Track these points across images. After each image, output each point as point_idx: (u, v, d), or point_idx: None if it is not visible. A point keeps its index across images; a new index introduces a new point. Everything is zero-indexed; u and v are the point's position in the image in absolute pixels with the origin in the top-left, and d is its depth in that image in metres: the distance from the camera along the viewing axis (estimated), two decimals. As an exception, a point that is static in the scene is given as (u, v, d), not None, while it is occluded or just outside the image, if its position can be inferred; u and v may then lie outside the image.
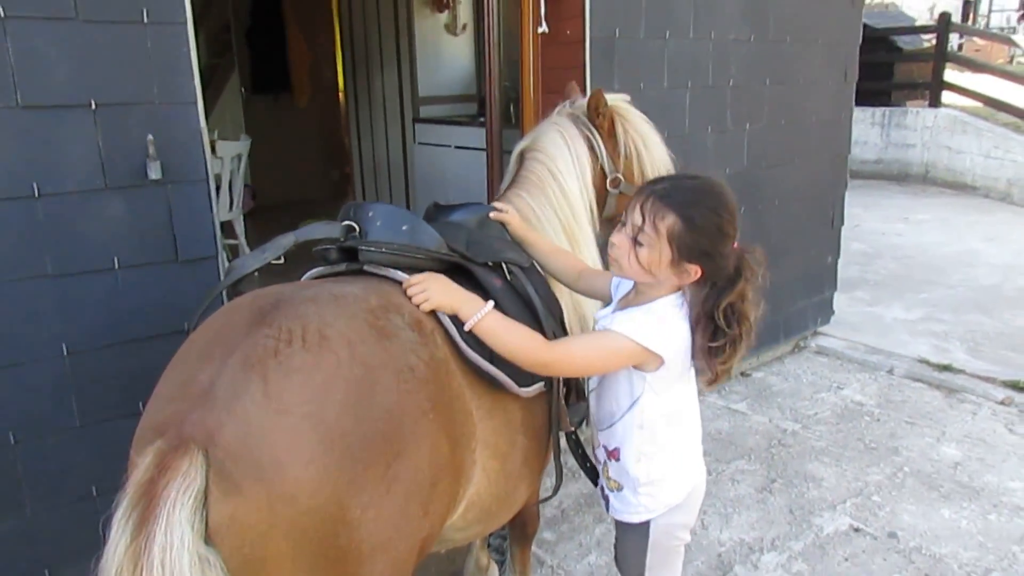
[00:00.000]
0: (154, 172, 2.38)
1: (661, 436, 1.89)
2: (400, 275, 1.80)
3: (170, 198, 2.48)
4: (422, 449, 1.52)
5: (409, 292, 1.74)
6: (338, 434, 1.39)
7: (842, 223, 5.29)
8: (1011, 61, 17.73)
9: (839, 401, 4.40)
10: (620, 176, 2.49)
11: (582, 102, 2.55)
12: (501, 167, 4.16)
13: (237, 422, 1.32)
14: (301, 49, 9.22)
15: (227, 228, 5.70)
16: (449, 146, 6.65)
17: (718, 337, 1.73)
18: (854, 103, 5.15)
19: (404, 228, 1.91)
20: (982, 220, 8.85)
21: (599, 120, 2.47)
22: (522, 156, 2.48)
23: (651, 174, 2.48)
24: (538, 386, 1.93)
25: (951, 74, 11.14)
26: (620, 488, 1.99)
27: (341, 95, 8.97)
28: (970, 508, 3.33)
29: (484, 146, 4.34)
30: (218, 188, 5.44)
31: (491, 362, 1.77)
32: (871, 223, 8.61)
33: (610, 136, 2.49)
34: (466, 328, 1.72)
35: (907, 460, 3.72)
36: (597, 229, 2.50)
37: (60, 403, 2.42)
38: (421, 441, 1.52)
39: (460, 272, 1.95)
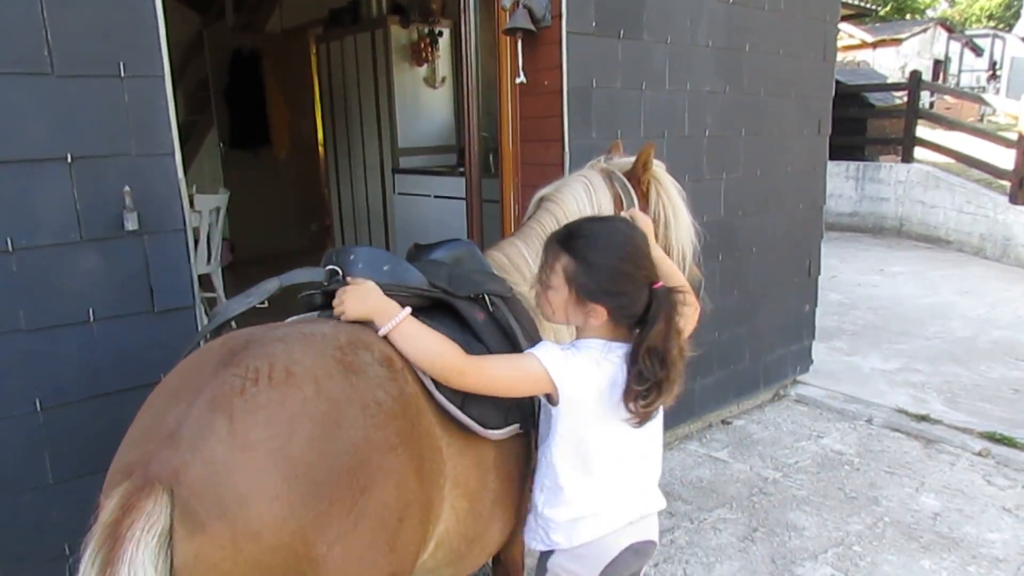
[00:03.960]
0: (131, 223, 2.38)
1: (563, 477, 1.86)
2: None
3: (147, 249, 2.47)
4: (389, 484, 1.51)
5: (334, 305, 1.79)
6: (303, 469, 1.38)
7: (819, 272, 5.34)
8: (982, 119, 18.16)
9: (819, 450, 4.39)
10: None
11: (618, 159, 2.53)
12: (481, 216, 4.19)
13: (202, 461, 1.31)
14: (280, 104, 9.28)
15: (205, 281, 5.67)
16: (429, 196, 6.71)
17: (641, 380, 1.72)
18: (828, 156, 5.23)
19: (385, 268, 1.93)
20: (956, 273, 8.95)
21: (644, 175, 2.43)
22: (539, 203, 2.47)
23: (675, 243, 2.46)
24: (511, 428, 1.92)
25: (923, 131, 11.35)
26: (530, 509, 1.98)
27: (320, 148, 9.04)
28: (950, 560, 3.30)
29: (464, 195, 4.38)
30: (196, 242, 5.44)
31: (460, 406, 1.77)
32: (848, 274, 8.70)
33: (643, 196, 2.45)
34: (379, 335, 1.73)
35: (887, 510, 3.71)
36: None
37: (33, 460, 2.37)
38: (388, 476, 1.51)
39: (443, 307, 1.97)
